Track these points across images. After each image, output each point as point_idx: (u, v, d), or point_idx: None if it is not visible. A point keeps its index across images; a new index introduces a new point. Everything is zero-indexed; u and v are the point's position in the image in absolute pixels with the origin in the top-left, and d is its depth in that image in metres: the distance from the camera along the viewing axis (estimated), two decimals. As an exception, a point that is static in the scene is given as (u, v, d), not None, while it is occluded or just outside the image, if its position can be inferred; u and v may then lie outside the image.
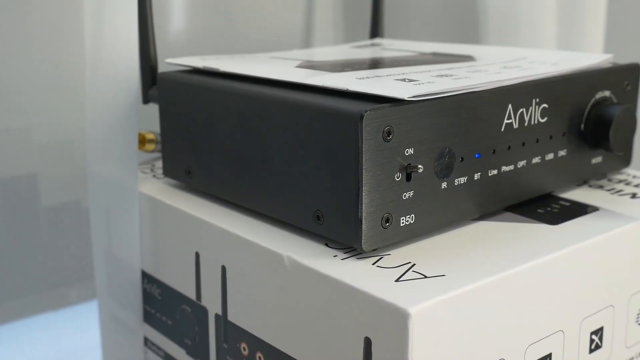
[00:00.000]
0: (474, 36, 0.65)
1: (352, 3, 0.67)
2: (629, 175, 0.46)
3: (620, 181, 0.45)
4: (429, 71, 0.39)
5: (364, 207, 0.32)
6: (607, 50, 0.67)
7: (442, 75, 0.38)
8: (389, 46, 0.53)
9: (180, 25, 0.59)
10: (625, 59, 0.46)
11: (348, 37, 0.66)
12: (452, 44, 0.52)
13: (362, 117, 0.31)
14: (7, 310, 0.59)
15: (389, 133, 0.32)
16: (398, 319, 0.29)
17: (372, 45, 0.54)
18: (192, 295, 0.41)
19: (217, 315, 0.40)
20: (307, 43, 0.64)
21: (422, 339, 0.29)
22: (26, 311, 0.61)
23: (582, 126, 0.42)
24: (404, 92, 0.33)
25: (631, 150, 0.46)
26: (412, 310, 0.29)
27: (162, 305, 0.44)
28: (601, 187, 0.44)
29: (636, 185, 0.44)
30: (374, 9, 0.59)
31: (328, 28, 0.65)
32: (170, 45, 0.57)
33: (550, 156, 0.40)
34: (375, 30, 0.59)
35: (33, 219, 0.57)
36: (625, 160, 0.46)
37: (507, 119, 0.38)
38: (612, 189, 0.43)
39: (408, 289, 0.30)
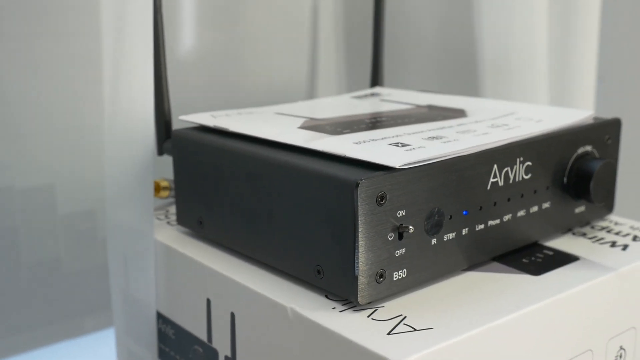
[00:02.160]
0: (470, 84, 0.68)
1: (353, 53, 0.70)
2: (611, 222, 0.49)
3: (602, 228, 0.48)
4: (421, 132, 0.42)
5: (359, 265, 0.36)
6: (596, 101, 0.71)
7: (432, 138, 0.41)
8: (387, 97, 0.57)
9: (193, 78, 0.63)
10: (614, 108, 0.49)
11: (350, 83, 0.69)
12: (447, 95, 0.56)
13: (357, 184, 0.35)
14: (26, 339, 0.62)
15: (382, 198, 0.36)
16: (389, 370, 0.32)
17: (372, 95, 0.58)
18: (203, 337, 0.45)
19: (226, 357, 0.43)
20: (311, 89, 0.68)
21: (410, 389, 0.33)
22: (45, 340, 0.63)
23: (565, 179, 0.45)
24: (396, 160, 0.36)
25: (613, 199, 0.49)
26: (401, 363, 0.32)
27: (176, 345, 0.48)
28: (584, 234, 0.47)
29: (617, 233, 0.47)
30: (374, 58, 0.63)
31: (331, 76, 0.69)
32: (183, 94, 0.60)
33: (534, 209, 0.44)
34: (376, 79, 0.63)
35: (53, 252, 0.61)
36: (608, 208, 0.49)
37: (493, 178, 0.41)
38: (594, 237, 0.47)
39: (398, 342, 0.34)
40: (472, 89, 0.68)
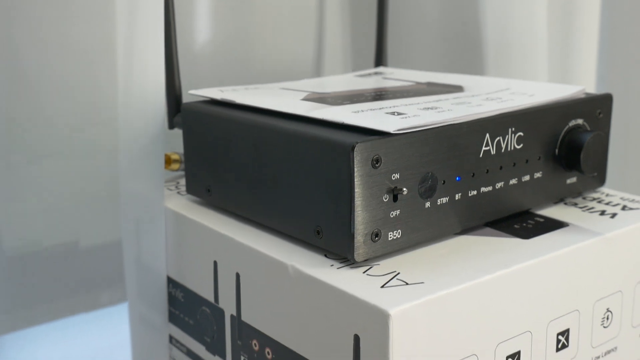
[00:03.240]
0: (472, 65, 0.70)
1: (359, 34, 0.72)
2: (602, 193, 0.51)
3: (593, 199, 0.50)
4: (418, 104, 0.45)
5: (355, 224, 0.38)
6: (597, 78, 0.72)
7: (428, 108, 0.43)
8: (389, 75, 0.59)
9: (203, 57, 0.65)
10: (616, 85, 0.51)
11: (355, 64, 0.72)
12: (447, 73, 0.58)
13: (353, 148, 0.37)
14: (45, 311, 0.65)
15: (377, 161, 0.38)
16: (381, 319, 0.35)
17: (375, 74, 0.60)
18: (210, 298, 0.47)
19: (232, 316, 0.45)
20: (317, 71, 0.70)
21: (401, 336, 0.35)
22: (62, 312, 0.66)
23: (557, 151, 0.47)
24: (390, 126, 0.39)
25: (605, 170, 0.51)
26: (392, 312, 0.34)
27: (185, 307, 0.50)
28: (575, 204, 0.49)
29: (607, 203, 0.49)
30: (378, 39, 0.65)
31: (337, 57, 0.71)
32: (193, 74, 0.63)
33: (526, 178, 0.46)
34: (379, 59, 0.65)
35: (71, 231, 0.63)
36: (600, 179, 0.51)
37: (485, 146, 0.43)
38: (585, 206, 0.49)
39: (391, 294, 0.36)
40: (475, 70, 0.70)
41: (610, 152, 0.75)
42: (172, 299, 0.52)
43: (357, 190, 0.38)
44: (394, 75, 0.59)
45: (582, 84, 0.71)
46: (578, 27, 0.72)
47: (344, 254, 0.39)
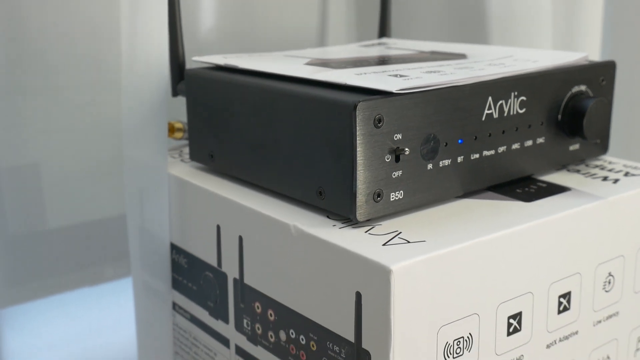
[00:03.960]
0: (475, 35, 0.70)
1: (362, 5, 0.72)
2: (605, 161, 0.51)
3: (596, 166, 0.50)
4: (420, 68, 0.45)
5: (357, 184, 0.38)
6: (602, 49, 0.72)
7: (430, 72, 0.43)
8: (393, 45, 0.59)
9: (206, 27, 0.65)
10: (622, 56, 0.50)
11: (359, 36, 0.72)
12: (452, 43, 0.58)
13: (355, 106, 0.37)
14: (51, 285, 0.65)
15: (379, 120, 0.38)
16: (382, 275, 0.35)
17: (379, 44, 0.60)
18: (214, 262, 0.47)
19: (235, 279, 0.46)
20: (321, 42, 0.70)
21: (402, 293, 0.35)
22: (67, 286, 0.66)
23: (560, 117, 0.47)
24: (393, 85, 0.39)
25: (608, 138, 0.51)
26: (394, 268, 0.35)
27: (188, 273, 0.51)
28: (578, 171, 0.49)
29: (610, 170, 0.49)
30: (382, 10, 0.65)
31: (340, 29, 0.71)
32: (197, 44, 0.63)
33: (529, 143, 0.46)
34: (383, 30, 0.65)
35: (74, 203, 0.63)
36: (603, 147, 0.51)
37: (488, 110, 0.43)
38: (587, 172, 0.49)
39: (392, 251, 0.36)
40: (479, 41, 0.70)
41: (615, 121, 0.75)
42: (175, 266, 0.52)
43: (359, 149, 0.38)
44: (397, 46, 0.59)
45: (587, 48, 0.71)
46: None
47: (346, 214, 0.39)
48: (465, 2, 0.71)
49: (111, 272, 0.68)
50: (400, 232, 0.39)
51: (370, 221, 0.40)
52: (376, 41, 0.62)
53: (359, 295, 0.36)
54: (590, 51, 0.71)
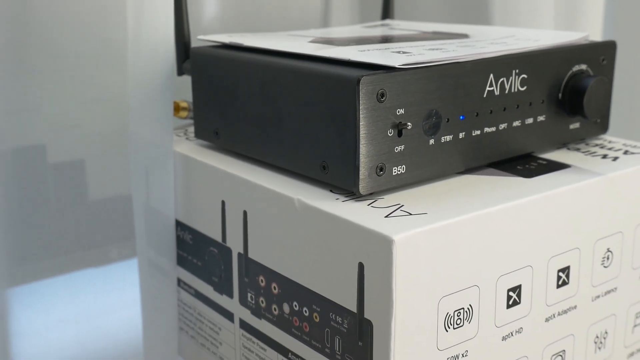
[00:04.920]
0: (478, 17, 0.71)
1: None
2: (605, 140, 0.52)
3: (596, 145, 0.51)
4: (423, 46, 0.45)
5: (360, 157, 0.39)
6: (604, 32, 0.73)
7: (433, 49, 0.44)
8: (396, 26, 0.59)
9: (211, 8, 0.66)
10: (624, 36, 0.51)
11: (362, 18, 0.72)
12: (455, 24, 0.58)
13: (358, 81, 0.38)
14: (57, 264, 0.66)
15: (382, 95, 0.39)
16: (384, 245, 0.36)
17: (382, 25, 0.61)
18: (218, 238, 0.48)
19: (239, 254, 0.46)
20: (324, 24, 0.71)
21: (404, 263, 0.36)
22: (72, 266, 0.67)
23: (560, 95, 0.48)
24: (395, 61, 0.39)
25: (608, 117, 0.51)
26: (396, 238, 0.35)
27: (193, 249, 0.51)
28: (578, 149, 0.50)
29: (610, 149, 0.50)
30: (385, -8, 0.65)
31: (344, 11, 0.71)
32: (202, 24, 0.64)
33: (530, 120, 0.46)
34: (386, 12, 0.65)
35: (81, 184, 0.64)
36: (603, 126, 0.51)
37: (489, 87, 0.44)
38: (587, 151, 0.49)
39: (394, 223, 0.37)
40: (481, 23, 0.70)
41: (617, 101, 0.76)
42: (180, 242, 0.53)
43: (362, 123, 0.38)
44: (400, 27, 0.59)
45: (589, 28, 0.71)
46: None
47: (349, 188, 0.40)
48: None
49: (116, 253, 0.69)
50: (402, 205, 0.39)
51: (373, 195, 0.41)
52: (379, 22, 0.62)
53: (361, 266, 0.37)
54: (591, 31, 0.71)
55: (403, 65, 0.39)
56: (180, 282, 0.54)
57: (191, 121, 0.57)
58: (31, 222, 0.62)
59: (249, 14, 0.67)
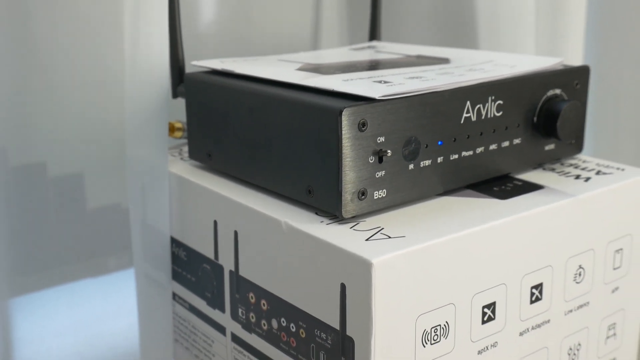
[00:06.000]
0: (463, 35, 0.73)
1: (354, 9, 0.75)
2: (579, 160, 0.54)
3: (570, 165, 0.53)
4: (404, 74, 0.48)
5: (343, 183, 0.41)
6: (585, 48, 0.75)
7: (413, 77, 0.46)
8: (382, 49, 0.62)
9: (205, 30, 0.68)
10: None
11: (351, 38, 0.75)
12: (437, 47, 0.61)
13: (341, 112, 0.40)
14: (57, 275, 0.68)
15: (363, 125, 0.41)
16: (364, 268, 0.38)
17: (369, 47, 0.63)
18: (211, 255, 0.51)
19: (230, 271, 0.49)
20: (314, 44, 0.73)
21: (383, 284, 0.38)
22: (70, 277, 0.69)
23: (535, 119, 0.50)
24: (376, 92, 0.42)
25: (582, 138, 0.54)
26: (375, 261, 0.38)
27: (187, 265, 0.54)
28: (553, 169, 0.52)
29: (583, 169, 0.52)
30: (372, 14, 0.68)
31: (333, 31, 0.74)
32: (196, 47, 0.66)
33: (506, 144, 0.49)
34: (374, 33, 0.68)
35: (79, 198, 0.66)
36: (578, 146, 0.54)
37: (466, 113, 0.46)
38: (562, 171, 0.52)
39: (374, 246, 0.39)
40: (466, 41, 0.73)
41: (600, 120, 0.78)
42: (175, 258, 0.55)
43: (345, 151, 0.41)
44: (386, 49, 0.62)
45: (570, 53, 0.74)
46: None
47: (332, 211, 0.42)
48: (452, 6, 0.74)
49: (114, 263, 0.71)
50: (383, 228, 0.42)
51: (355, 218, 0.43)
52: (366, 44, 0.65)
53: (343, 287, 0.40)
54: (573, 53, 0.74)
55: (383, 96, 0.41)
56: (175, 296, 0.57)
57: (186, 140, 0.60)
58: (32, 234, 0.64)
59: (242, 35, 0.70)
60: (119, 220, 0.67)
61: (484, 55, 0.56)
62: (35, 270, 0.66)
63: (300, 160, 0.44)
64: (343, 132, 0.40)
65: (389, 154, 0.42)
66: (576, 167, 0.53)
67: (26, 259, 0.65)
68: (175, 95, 0.57)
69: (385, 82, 0.45)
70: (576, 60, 0.75)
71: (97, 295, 0.71)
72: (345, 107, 0.40)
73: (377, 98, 0.41)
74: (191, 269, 0.54)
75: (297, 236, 0.42)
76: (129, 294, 0.66)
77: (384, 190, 0.43)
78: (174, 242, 0.55)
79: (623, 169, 0.52)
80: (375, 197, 0.43)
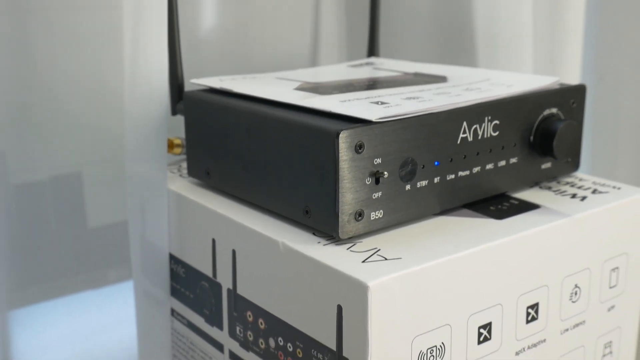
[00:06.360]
0: (461, 53, 0.73)
1: (353, 25, 0.75)
2: (576, 178, 0.55)
3: (567, 183, 0.53)
4: (401, 94, 0.48)
5: (340, 204, 0.42)
6: (583, 66, 0.76)
7: (410, 98, 0.47)
8: (379, 65, 0.62)
9: (204, 48, 0.69)
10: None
11: (350, 54, 0.75)
12: (434, 64, 0.61)
13: (338, 134, 0.41)
14: (56, 287, 0.68)
15: (360, 146, 0.42)
16: (360, 290, 0.38)
17: (367, 64, 0.64)
18: (209, 273, 0.51)
19: (228, 290, 0.49)
20: (314, 59, 0.74)
21: (379, 306, 0.38)
22: (72, 289, 0.70)
23: (532, 138, 0.50)
24: (373, 114, 0.42)
25: (579, 156, 0.54)
26: (371, 284, 0.38)
27: (186, 282, 0.54)
28: (549, 188, 0.52)
29: (579, 187, 0.52)
30: (370, 30, 0.68)
31: (332, 47, 0.74)
32: (196, 60, 0.66)
33: (502, 163, 0.49)
34: (372, 49, 0.68)
35: (79, 211, 0.67)
36: (574, 165, 0.54)
37: (462, 134, 0.46)
38: (558, 190, 0.52)
39: (370, 268, 0.40)
40: (464, 58, 0.73)
41: (597, 137, 0.79)
42: (173, 275, 0.56)
43: (342, 173, 0.41)
44: (383, 66, 0.62)
45: (568, 71, 0.74)
46: (564, 16, 0.76)
47: (330, 232, 0.43)
48: (451, 20, 0.74)
49: (113, 276, 0.72)
50: (379, 250, 0.42)
51: (352, 238, 0.44)
52: (364, 61, 0.65)
53: (340, 308, 0.40)
54: (571, 68, 0.74)
55: (380, 119, 0.42)
56: (173, 312, 0.57)
57: (185, 157, 0.60)
58: (31, 247, 0.65)
59: (241, 51, 0.70)
60: (118, 233, 0.67)
61: (481, 73, 0.56)
62: (35, 282, 0.66)
63: (298, 180, 0.44)
64: (340, 154, 0.41)
65: (386, 176, 0.43)
66: (572, 185, 0.53)
67: (25, 272, 0.65)
68: (174, 112, 0.57)
69: (382, 102, 0.45)
70: (573, 79, 0.75)
71: (96, 307, 0.71)
72: (342, 130, 0.41)
73: (374, 120, 0.42)
74: (189, 285, 0.54)
75: (294, 257, 0.43)
76: (127, 305, 0.67)
77: (381, 211, 0.43)
78: (173, 258, 0.55)
79: (619, 188, 0.52)
80: (372, 218, 0.43)
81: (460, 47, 0.73)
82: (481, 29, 0.71)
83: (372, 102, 0.45)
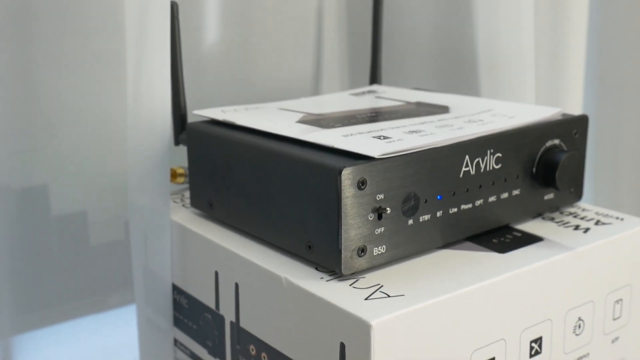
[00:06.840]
0: (463, 80, 0.74)
1: (355, 53, 0.76)
2: (579, 208, 0.55)
3: (570, 214, 0.53)
4: (403, 126, 0.48)
5: (342, 240, 0.42)
6: (585, 99, 0.76)
7: (412, 132, 0.47)
8: (381, 94, 0.62)
9: (208, 76, 0.69)
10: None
11: (352, 81, 0.75)
12: (436, 93, 0.61)
13: (340, 171, 0.41)
14: (57, 313, 0.68)
15: (362, 183, 0.42)
16: (363, 329, 0.38)
17: (368, 92, 0.64)
18: (212, 305, 0.51)
19: (231, 322, 0.49)
20: (316, 86, 0.74)
21: (382, 345, 0.38)
22: (74, 313, 0.70)
23: (534, 169, 0.50)
24: (375, 151, 0.42)
25: (582, 186, 0.54)
26: (374, 323, 0.38)
27: (189, 313, 0.54)
28: (552, 219, 0.52)
29: (582, 218, 0.52)
30: (372, 58, 0.68)
31: (334, 74, 0.75)
32: (198, 91, 0.67)
33: (505, 195, 0.49)
34: (374, 77, 0.69)
35: (81, 236, 0.67)
36: (577, 195, 0.54)
37: (465, 167, 0.46)
38: (561, 221, 0.52)
39: (373, 306, 0.40)
40: (466, 85, 0.73)
41: (600, 166, 0.79)
42: (177, 305, 0.56)
43: (345, 210, 0.41)
44: (385, 94, 0.62)
45: (570, 99, 0.75)
46: (566, 41, 0.76)
47: (332, 268, 0.43)
48: (452, 47, 0.75)
49: (116, 300, 0.72)
50: (382, 286, 0.42)
51: (355, 274, 0.44)
52: (366, 89, 0.65)
53: (342, 346, 0.40)
54: (572, 96, 0.74)
55: (382, 155, 0.42)
56: (176, 342, 0.57)
57: (188, 185, 0.60)
58: (34, 272, 0.65)
59: (244, 79, 0.70)
60: (120, 257, 0.67)
61: (483, 103, 0.56)
62: (37, 307, 0.66)
63: (301, 215, 0.44)
64: (343, 191, 0.41)
65: (389, 211, 0.43)
66: (575, 216, 0.53)
67: (28, 297, 0.65)
68: (177, 142, 0.57)
69: (384, 137, 0.45)
70: (575, 109, 0.76)
71: (99, 332, 0.71)
72: (345, 167, 0.41)
73: (376, 157, 0.42)
74: (192, 316, 0.54)
75: (297, 293, 0.43)
76: (130, 329, 0.67)
77: (384, 246, 0.43)
78: (176, 289, 0.55)
79: (622, 219, 0.52)
80: (374, 254, 0.43)
81: (462, 74, 0.73)
82: (483, 55, 0.71)
83: (374, 137, 0.45)
